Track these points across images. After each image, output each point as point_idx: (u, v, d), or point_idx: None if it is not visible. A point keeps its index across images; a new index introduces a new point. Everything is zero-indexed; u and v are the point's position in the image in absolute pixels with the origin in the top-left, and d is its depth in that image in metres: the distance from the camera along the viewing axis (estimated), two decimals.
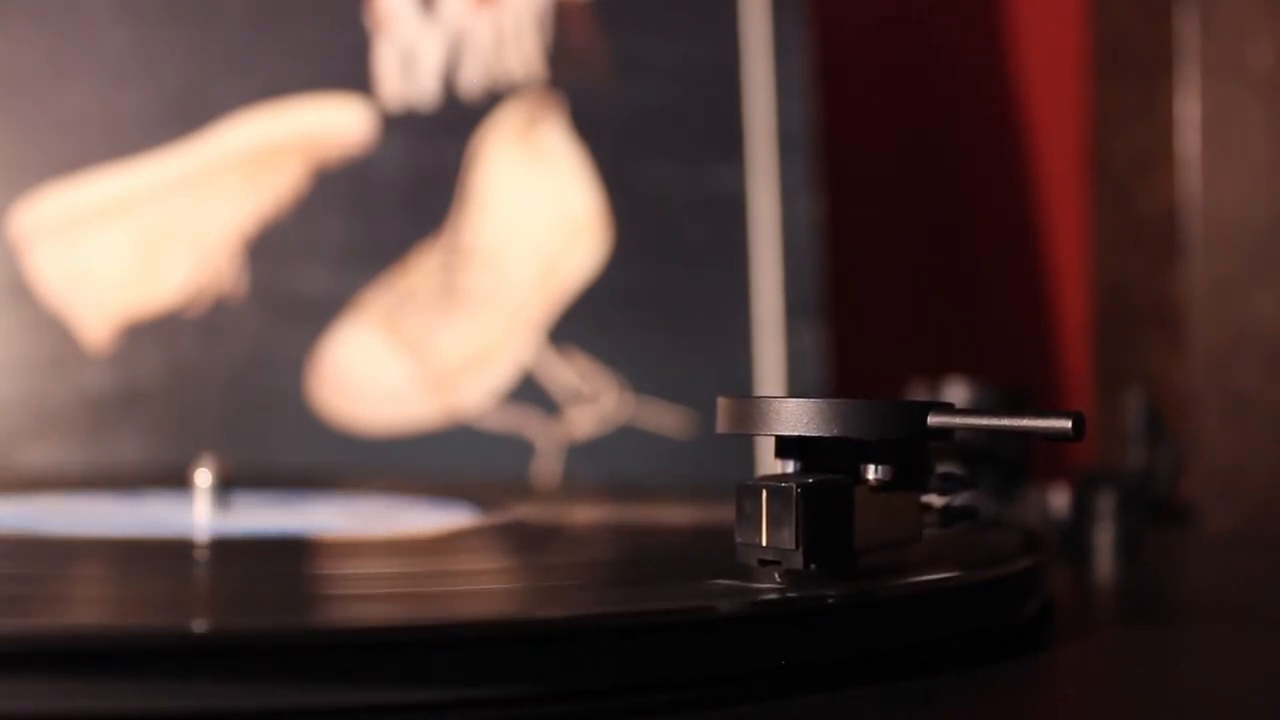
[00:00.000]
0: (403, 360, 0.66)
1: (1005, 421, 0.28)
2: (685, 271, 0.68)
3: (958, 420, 0.29)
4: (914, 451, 0.30)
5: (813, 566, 0.27)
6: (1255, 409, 0.68)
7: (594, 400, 0.67)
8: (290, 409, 0.66)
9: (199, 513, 0.44)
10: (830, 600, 0.27)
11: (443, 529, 0.41)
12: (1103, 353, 0.76)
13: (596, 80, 0.69)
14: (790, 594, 0.27)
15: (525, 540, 0.41)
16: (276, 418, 0.66)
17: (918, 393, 0.52)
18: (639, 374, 0.67)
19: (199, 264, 0.67)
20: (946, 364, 0.65)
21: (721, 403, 0.30)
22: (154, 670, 0.21)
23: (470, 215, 0.68)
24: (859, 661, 0.27)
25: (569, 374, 0.67)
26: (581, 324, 0.67)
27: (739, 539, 0.28)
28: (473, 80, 0.69)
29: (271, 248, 0.67)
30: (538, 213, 0.68)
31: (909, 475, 0.30)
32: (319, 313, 0.67)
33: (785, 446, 0.30)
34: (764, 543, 0.28)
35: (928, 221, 0.84)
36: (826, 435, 0.28)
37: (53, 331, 0.65)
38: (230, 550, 0.36)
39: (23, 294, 0.65)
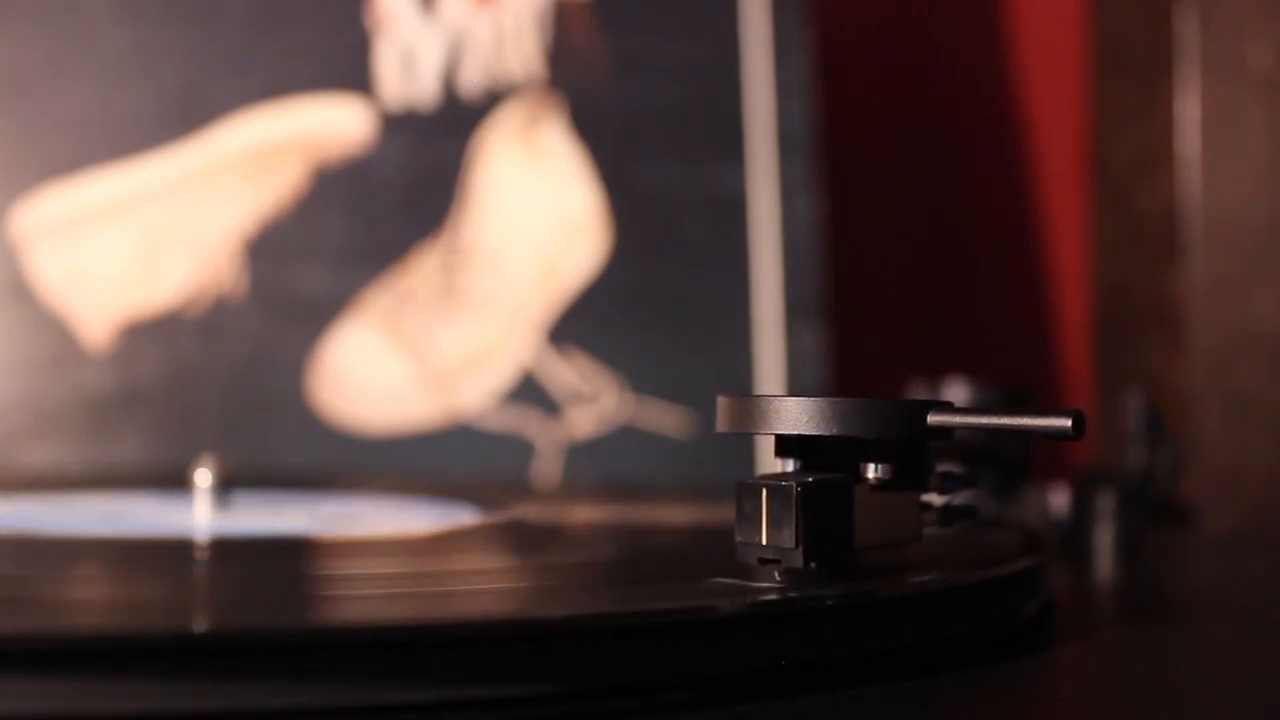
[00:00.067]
0: (403, 360, 0.67)
1: (1005, 420, 0.28)
2: (685, 271, 0.68)
3: (957, 419, 0.29)
4: (914, 450, 0.30)
5: (813, 565, 0.27)
6: (1255, 409, 0.68)
7: (594, 400, 0.67)
8: (290, 409, 0.66)
9: (199, 513, 0.44)
10: (830, 600, 0.27)
11: (443, 529, 0.41)
12: (1103, 353, 0.76)
13: (596, 80, 0.69)
14: (790, 593, 0.27)
15: (525, 540, 0.41)
16: (276, 418, 0.66)
17: (918, 392, 0.52)
18: (639, 374, 0.67)
19: (199, 264, 0.67)
20: (946, 364, 0.65)
21: (721, 401, 0.30)
22: (154, 670, 0.21)
23: (470, 215, 0.68)
24: (859, 661, 0.27)
25: (569, 374, 0.67)
26: (581, 324, 0.67)
27: (739, 538, 0.28)
28: (473, 80, 0.69)
29: (271, 248, 0.67)
30: (538, 213, 0.68)
31: (909, 474, 0.30)
32: (319, 313, 0.67)
33: (785, 445, 0.30)
34: (764, 541, 0.28)
35: (928, 221, 0.84)
36: (826, 434, 0.28)
37: (53, 331, 0.65)
38: (230, 550, 0.36)
39: (23, 294, 0.65)
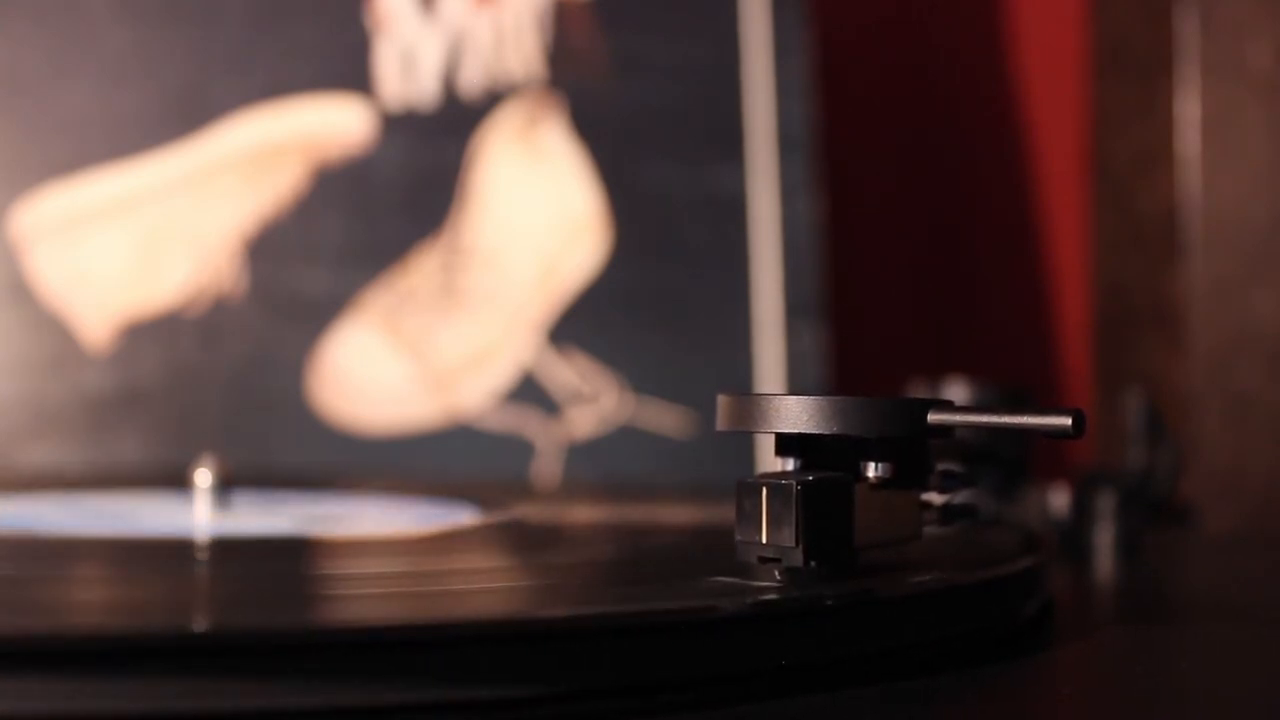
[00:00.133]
0: (403, 360, 0.67)
1: (1005, 419, 0.28)
2: (685, 271, 0.68)
3: (957, 418, 0.29)
4: (914, 449, 0.30)
5: (813, 564, 0.27)
6: (1255, 409, 0.68)
7: (594, 400, 0.67)
8: (290, 409, 0.66)
9: (199, 513, 0.44)
10: (830, 600, 0.27)
11: (443, 529, 0.41)
12: (1103, 353, 0.76)
13: (596, 80, 0.69)
14: (790, 592, 0.27)
15: (525, 540, 0.41)
16: (276, 418, 0.66)
17: (918, 392, 0.52)
18: (639, 374, 0.67)
19: (199, 264, 0.67)
20: (946, 364, 0.65)
21: (721, 400, 0.30)
22: (154, 670, 0.21)
23: (470, 215, 0.68)
24: (859, 661, 0.27)
25: (569, 374, 0.67)
26: (581, 324, 0.67)
27: (739, 537, 0.28)
28: (473, 80, 0.69)
29: (271, 248, 0.67)
30: (538, 213, 0.68)
31: (909, 473, 0.30)
32: (319, 313, 0.67)
33: (785, 444, 0.30)
34: (764, 540, 0.28)
35: (928, 221, 0.84)
36: (826, 433, 0.28)
37: (53, 331, 0.65)
38: (230, 550, 0.36)
39: (23, 294, 0.65)
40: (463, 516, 0.44)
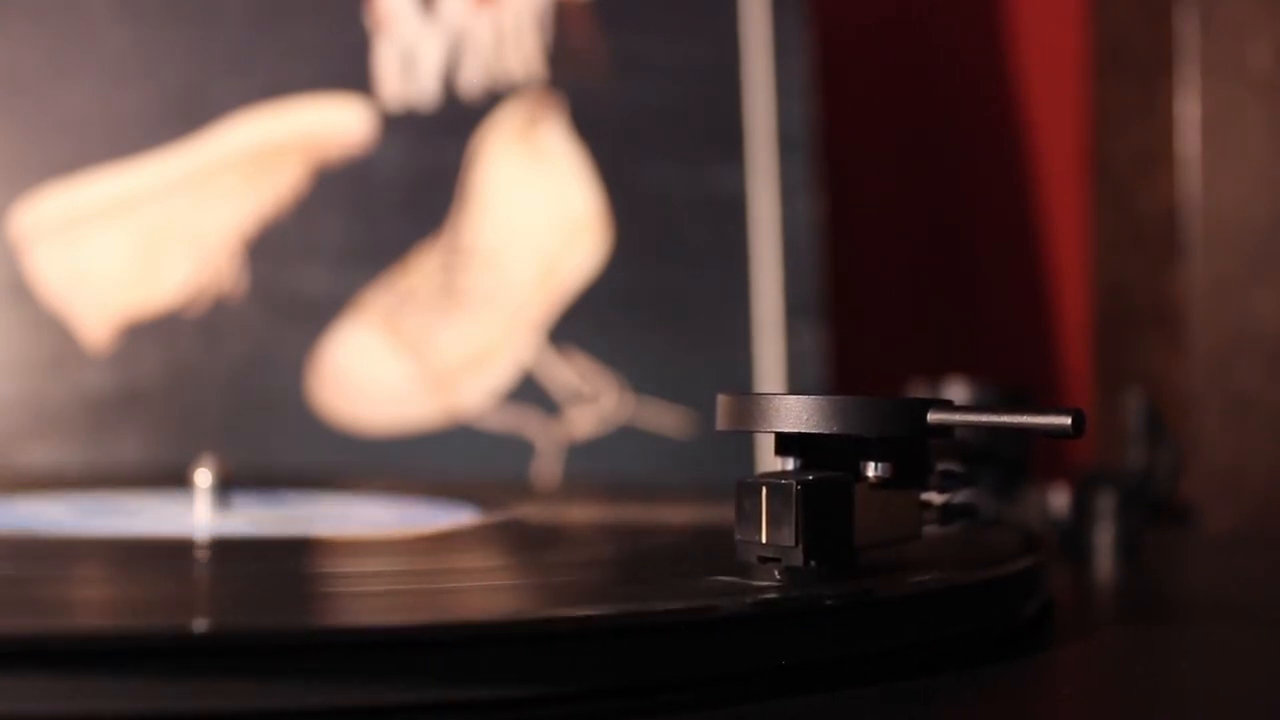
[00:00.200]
0: (403, 360, 0.67)
1: (1005, 418, 0.28)
2: (685, 271, 0.68)
3: (957, 417, 0.29)
4: (914, 449, 0.30)
5: (812, 564, 0.27)
6: (1255, 409, 0.68)
7: (594, 400, 0.67)
8: (290, 409, 0.66)
9: (199, 513, 0.44)
10: (830, 600, 0.27)
11: (443, 529, 0.41)
12: (1103, 353, 0.76)
13: (596, 80, 0.69)
14: (790, 592, 0.27)
15: (525, 540, 0.41)
16: (276, 418, 0.66)
17: (918, 392, 0.52)
18: (639, 374, 0.67)
19: (199, 264, 0.67)
20: (946, 364, 0.65)
21: (721, 399, 0.30)
22: (154, 670, 0.21)
23: (470, 215, 0.68)
24: (859, 661, 0.27)
25: (569, 374, 0.67)
26: (581, 324, 0.67)
27: (739, 536, 0.28)
28: (473, 80, 0.69)
29: (271, 248, 0.67)
30: (538, 213, 0.68)
31: (909, 473, 0.30)
32: (319, 313, 0.67)
33: (785, 444, 0.30)
34: (764, 540, 0.28)
35: (928, 221, 0.84)
36: (826, 432, 0.28)
37: (53, 331, 0.65)
38: (230, 550, 0.36)
39: (23, 294, 0.65)
40: (463, 516, 0.44)
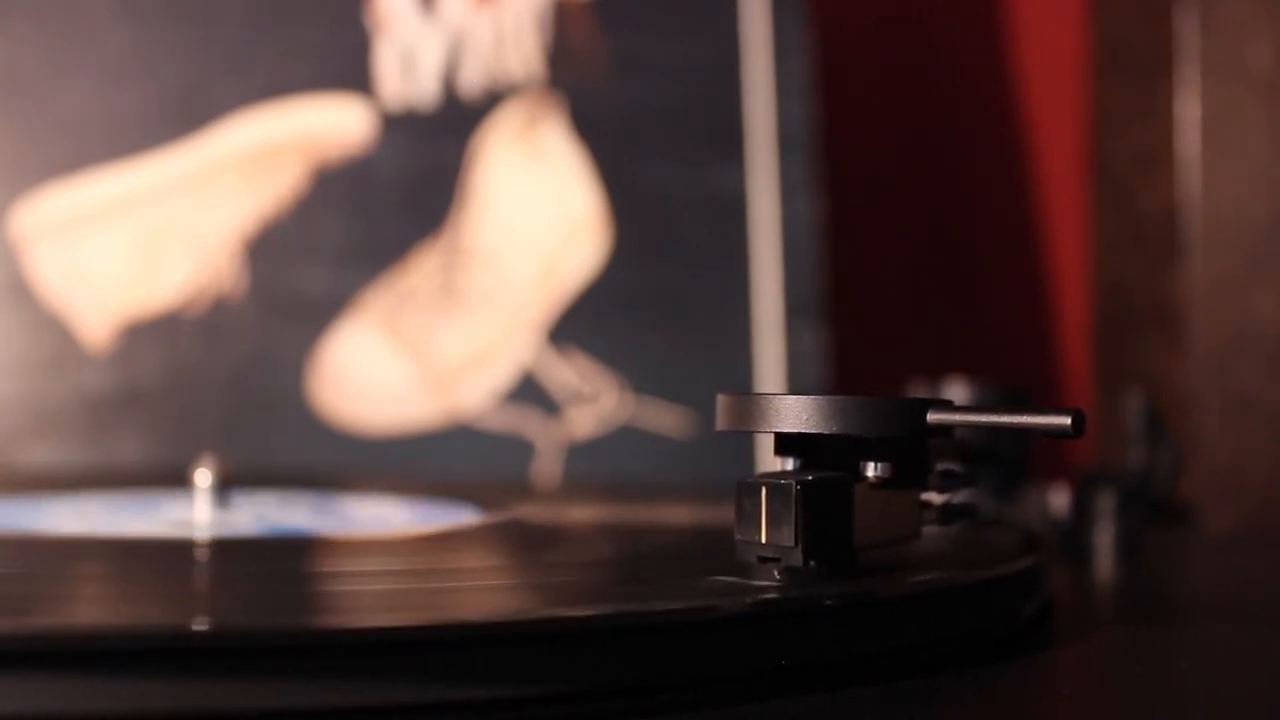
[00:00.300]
0: (403, 360, 0.67)
1: (1005, 418, 0.28)
2: (685, 271, 0.68)
3: (957, 417, 0.29)
4: (913, 449, 0.30)
5: (812, 564, 0.27)
6: (1255, 409, 0.68)
7: (594, 400, 0.67)
8: (290, 409, 0.66)
9: (199, 513, 0.44)
10: (829, 600, 0.27)
11: (443, 529, 0.41)
12: (1103, 353, 0.76)
13: (596, 80, 0.69)
14: (790, 592, 0.27)
15: (525, 540, 0.41)
16: (276, 418, 0.66)
17: (918, 392, 0.52)
18: (639, 374, 0.67)
19: (199, 264, 0.67)
20: (946, 364, 0.65)
21: (721, 399, 0.30)
22: (154, 670, 0.21)
23: (470, 215, 0.68)
24: (859, 661, 0.27)
25: (569, 374, 0.67)
26: (581, 324, 0.67)
27: (738, 536, 0.28)
28: (473, 80, 0.69)
29: (271, 248, 0.67)
30: (538, 213, 0.68)
31: (908, 473, 0.30)
32: (319, 313, 0.67)
33: (785, 444, 0.30)
34: (763, 540, 0.28)
35: (928, 221, 0.84)
36: (826, 433, 0.28)
37: (53, 331, 0.65)
38: (230, 550, 0.36)
39: (23, 294, 0.65)
40: (463, 516, 0.44)
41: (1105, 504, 0.47)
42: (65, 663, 0.21)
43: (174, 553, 0.35)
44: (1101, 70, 0.76)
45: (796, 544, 0.27)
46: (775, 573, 0.28)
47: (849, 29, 0.82)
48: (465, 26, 0.69)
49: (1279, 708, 0.26)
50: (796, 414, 0.28)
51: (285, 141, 0.68)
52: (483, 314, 0.67)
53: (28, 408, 0.64)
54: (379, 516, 0.46)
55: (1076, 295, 0.81)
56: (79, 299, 0.66)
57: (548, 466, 0.66)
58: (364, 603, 0.26)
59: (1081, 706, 0.26)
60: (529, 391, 0.67)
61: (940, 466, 0.31)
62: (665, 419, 0.66)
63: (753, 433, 0.33)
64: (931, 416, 0.29)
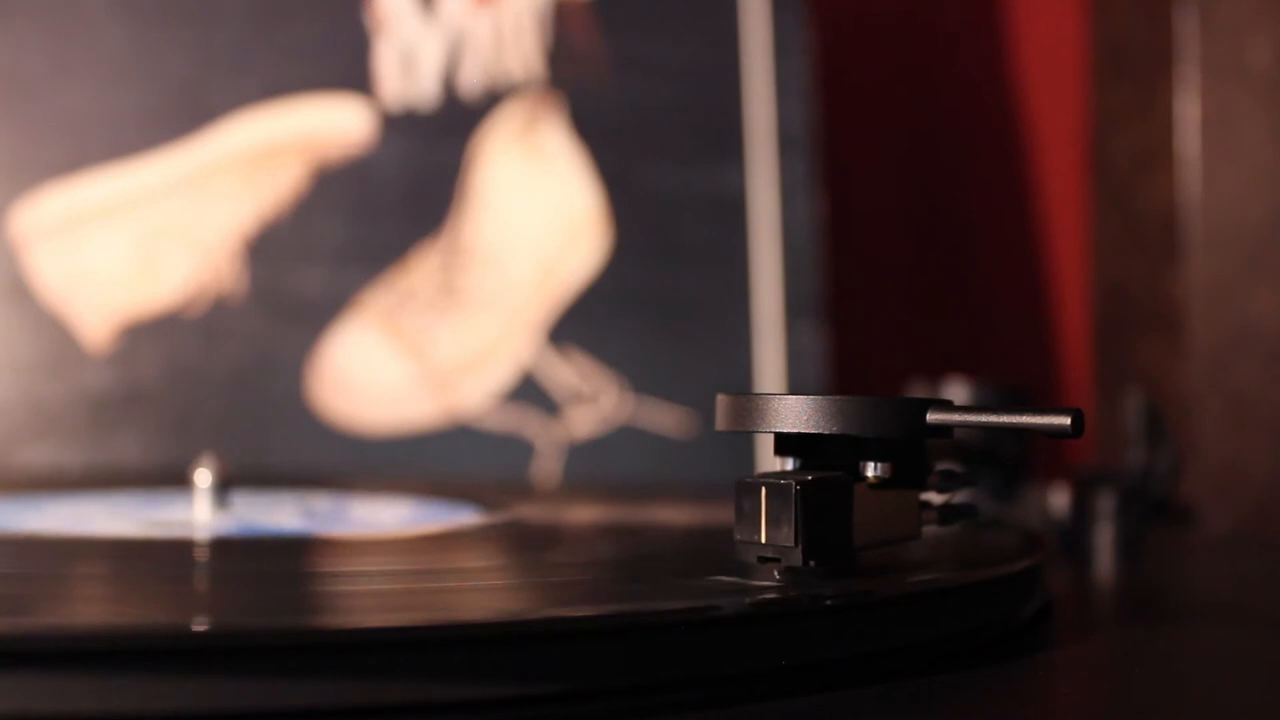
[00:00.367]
0: (403, 360, 0.66)
1: (1004, 418, 0.28)
2: (685, 271, 0.68)
3: (956, 417, 0.29)
4: (913, 449, 0.30)
5: (812, 563, 0.27)
6: (1255, 409, 0.68)
7: (594, 400, 0.67)
8: (290, 409, 0.66)
9: (199, 513, 0.44)
10: (829, 600, 0.27)
11: (443, 529, 0.41)
12: (1102, 353, 0.76)
13: (596, 80, 0.69)
14: (790, 592, 0.27)
15: (525, 540, 0.41)
16: (276, 418, 0.66)
17: (918, 392, 0.52)
18: (639, 374, 0.67)
19: (199, 264, 0.67)
20: (946, 364, 0.65)
21: (721, 400, 0.30)
22: (154, 670, 0.21)
23: (470, 215, 0.68)
24: (859, 661, 0.27)
25: (569, 374, 0.67)
26: (581, 324, 0.67)
27: (738, 536, 0.28)
28: (473, 80, 0.69)
29: (271, 248, 0.67)
30: (538, 213, 0.68)
31: (908, 473, 0.30)
32: (319, 313, 0.67)
33: (784, 444, 0.30)
34: (763, 540, 0.28)
35: (928, 221, 0.84)
36: (826, 432, 0.28)
37: (53, 331, 0.65)
38: (230, 550, 0.36)
39: (23, 294, 0.65)
40: (463, 516, 0.44)
41: (1105, 504, 0.47)
42: (65, 663, 0.21)
43: (174, 553, 0.35)
44: (1101, 70, 0.76)
45: (796, 544, 0.27)
46: (775, 573, 0.28)
47: (849, 29, 0.82)
48: (465, 27, 0.69)
49: (1279, 708, 0.26)
50: (796, 414, 0.28)
51: (285, 141, 0.68)
52: (482, 314, 0.67)
53: (28, 408, 0.64)
54: (379, 516, 0.46)
55: (1076, 295, 0.81)
56: (79, 299, 0.66)
57: (548, 466, 0.66)
58: (364, 603, 0.26)
59: (1081, 706, 0.26)
60: (529, 391, 0.67)
61: (940, 467, 0.31)
62: (665, 419, 0.66)
63: (753, 433, 0.33)
64: (931, 416, 0.29)
